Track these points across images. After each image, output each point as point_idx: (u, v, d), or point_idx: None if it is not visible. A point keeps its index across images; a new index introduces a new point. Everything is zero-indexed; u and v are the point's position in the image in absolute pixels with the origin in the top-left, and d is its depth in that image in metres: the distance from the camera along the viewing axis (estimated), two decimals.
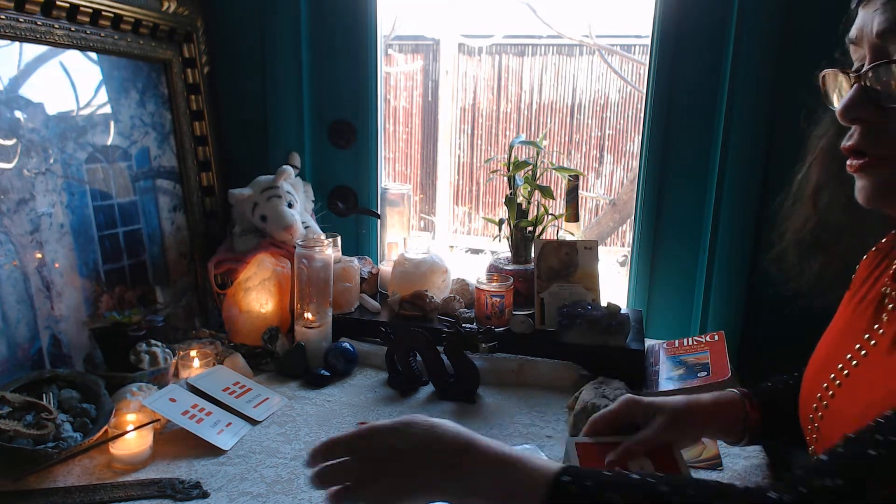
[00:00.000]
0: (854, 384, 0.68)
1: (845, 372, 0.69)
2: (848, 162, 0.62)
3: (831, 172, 0.71)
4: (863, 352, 0.68)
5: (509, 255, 1.50)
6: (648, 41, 1.39)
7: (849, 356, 0.70)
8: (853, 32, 0.60)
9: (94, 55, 1.26)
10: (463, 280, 1.50)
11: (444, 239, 4.76)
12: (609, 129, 4.77)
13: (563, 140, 4.85)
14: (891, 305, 0.67)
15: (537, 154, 1.44)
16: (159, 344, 1.19)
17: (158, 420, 1.03)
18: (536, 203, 1.46)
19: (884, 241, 0.76)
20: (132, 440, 0.97)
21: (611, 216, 4.01)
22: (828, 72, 0.62)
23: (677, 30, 1.34)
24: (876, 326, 0.68)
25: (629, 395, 0.83)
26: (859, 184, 0.61)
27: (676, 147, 1.40)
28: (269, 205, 1.38)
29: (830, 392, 0.70)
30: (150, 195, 1.37)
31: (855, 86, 0.58)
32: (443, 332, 1.22)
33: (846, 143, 0.61)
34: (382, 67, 1.58)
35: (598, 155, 4.85)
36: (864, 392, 0.65)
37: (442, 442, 0.63)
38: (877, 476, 0.49)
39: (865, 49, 0.58)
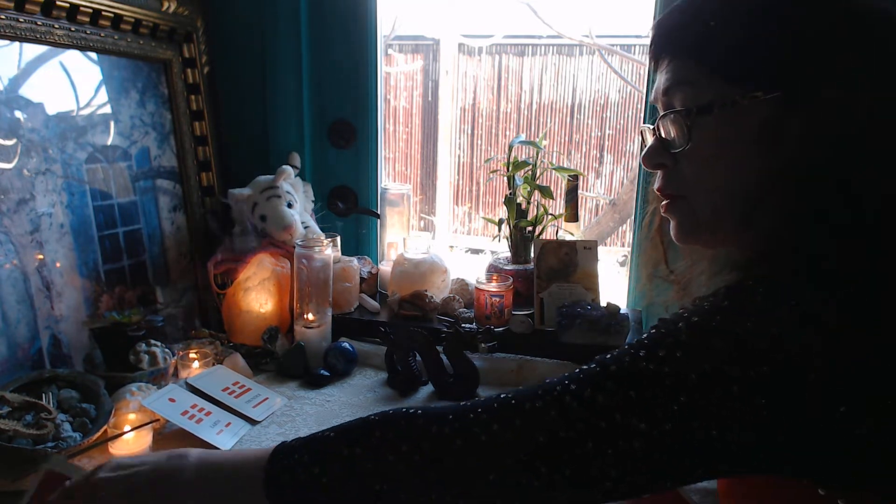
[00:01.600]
0: None
1: None
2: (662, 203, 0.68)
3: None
4: None
5: (509, 255, 1.50)
6: (648, 41, 1.39)
7: None
8: (652, 94, 0.67)
9: (94, 55, 1.26)
10: (463, 280, 1.50)
11: (444, 239, 4.77)
12: (609, 129, 4.78)
13: (563, 140, 4.85)
14: None
15: (537, 154, 1.44)
16: (159, 344, 1.19)
17: (158, 420, 1.03)
18: (536, 203, 1.46)
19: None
20: (132, 440, 0.97)
21: (611, 216, 4.02)
22: (643, 128, 0.70)
23: None
24: None
25: None
26: (671, 223, 0.68)
27: None
28: (269, 205, 1.38)
29: None
30: (150, 195, 1.37)
31: (653, 137, 0.66)
32: (442, 332, 1.22)
33: (655, 185, 0.68)
34: (382, 67, 1.58)
35: (598, 155, 4.85)
36: None
37: (147, 482, 0.63)
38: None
39: (659, 106, 0.66)
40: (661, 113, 0.65)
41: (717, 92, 0.59)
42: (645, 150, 0.67)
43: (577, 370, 0.55)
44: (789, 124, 0.56)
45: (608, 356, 0.54)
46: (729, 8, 0.60)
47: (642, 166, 0.69)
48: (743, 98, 0.58)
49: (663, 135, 0.65)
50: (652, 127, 0.67)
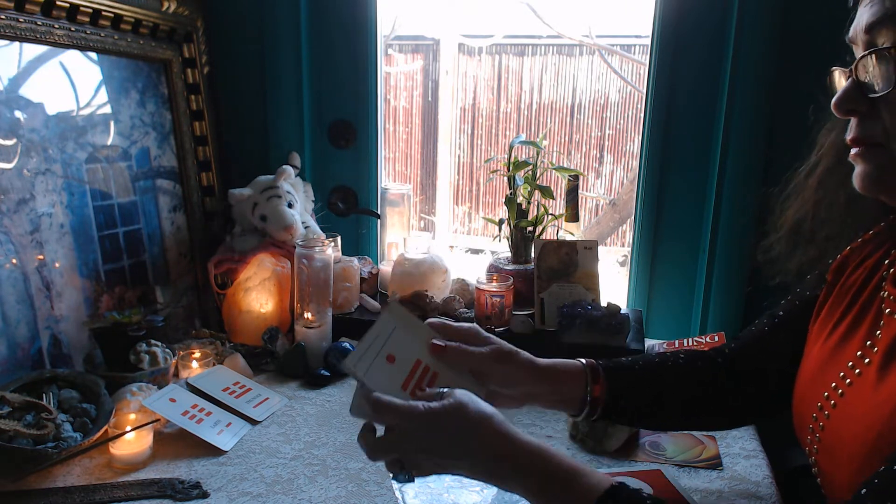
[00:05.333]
0: (851, 402, 0.67)
1: (839, 391, 0.69)
2: (850, 152, 0.63)
3: (835, 168, 0.71)
4: (857, 370, 0.68)
5: (509, 255, 1.50)
6: (648, 41, 1.40)
7: (842, 374, 0.70)
8: (850, 31, 0.62)
9: (94, 55, 1.26)
10: (463, 280, 1.50)
11: (444, 239, 4.76)
12: (609, 129, 4.77)
13: (563, 140, 4.85)
14: (888, 310, 0.67)
15: (537, 154, 1.44)
16: (159, 344, 1.19)
17: (158, 420, 1.03)
18: (536, 203, 1.46)
19: (871, 232, 0.75)
20: (132, 440, 0.97)
21: (611, 216, 4.01)
22: (833, 70, 0.65)
23: (677, 30, 1.34)
24: (869, 343, 0.68)
25: (478, 326, 0.82)
26: (858, 170, 0.62)
27: (676, 147, 1.40)
28: (269, 205, 1.38)
29: (832, 402, 0.70)
30: (150, 195, 1.37)
31: (849, 80, 0.60)
32: None
33: (847, 135, 0.62)
34: (382, 67, 1.58)
35: (598, 155, 4.85)
36: (860, 411, 0.65)
37: (485, 448, 0.65)
38: None
39: (859, 44, 0.61)
40: (862, 52, 0.59)
41: None
42: (838, 93, 0.61)
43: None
44: None
45: None
46: None
47: (835, 111, 0.62)
48: None
49: (861, 77, 0.59)
50: (847, 70, 0.61)
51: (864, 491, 0.53)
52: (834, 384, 0.70)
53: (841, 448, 0.66)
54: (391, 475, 0.70)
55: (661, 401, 0.87)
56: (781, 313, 0.88)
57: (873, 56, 0.58)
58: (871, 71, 0.58)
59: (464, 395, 0.68)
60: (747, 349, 0.89)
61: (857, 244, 0.76)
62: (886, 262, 0.71)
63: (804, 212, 0.75)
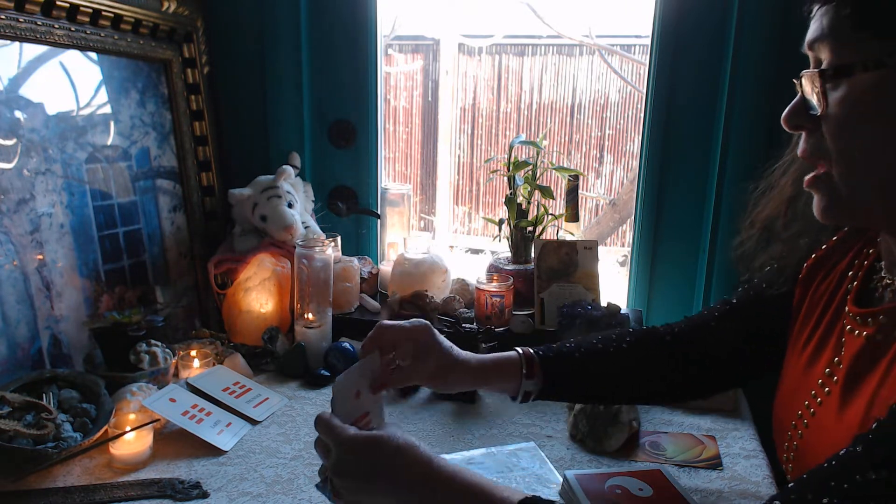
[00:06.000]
0: (821, 425, 0.67)
1: (811, 411, 0.69)
2: (805, 177, 0.63)
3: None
4: (826, 388, 0.68)
5: (509, 255, 1.50)
6: (648, 41, 1.39)
7: (813, 392, 0.69)
8: (805, 43, 0.61)
9: (94, 55, 1.26)
10: (463, 280, 1.50)
11: (444, 239, 4.76)
12: (609, 129, 4.77)
13: (563, 140, 4.85)
14: (849, 327, 0.66)
15: (537, 154, 1.44)
16: (159, 344, 1.19)
17: (158, 420, 1.03)
18: (536, 203, 1.46)
19: (835, 238, 0.75)
20: (132, 440, 0.97)
21: (611, 216, 4.01)
22: (797, 79, 0.65)
23: (677, 30, 1.34)
24: (836, 360, 0.67)
25: (426, 322, 0.82)
26: (815, 199, 0.62)
27: (676, 147, 1.40)
28: (269, 205, 1.38)
29: (805, 421, 0.70)
30: (150, 195, 1.37)
31: (797, 95, 0.60)
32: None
33: (798, 149, 0.62)
34: (382, 67, 1.58)
35: (598, 155, 4.85)
36: (828, 438, 0.65)
37: (408, 471, 0.65)
38: None
39: (811, 59, 0.60)
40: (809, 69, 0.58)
41: (862, 49, 0.52)
42: (787, 108, 0.61)
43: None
44: None
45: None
46: None
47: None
48: (891, 58, 0.50)
49: (805, 93, 0.58)
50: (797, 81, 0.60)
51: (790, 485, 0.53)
52: (807, 402, 0.70)
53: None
54: (317, 484, 0.73)
55: (601, 383, 0.88)
56: (734, 301, 0.88)
57: (806, 75, 0.57)
58: (808, 89, 0.58)
59: (389, 429, 0.70)
60: (694, 332, 0.90)
61: (823, 252, 0.76)
62: (850, 273, 0.71)
63: (777, 209, 0.74)
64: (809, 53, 0.59)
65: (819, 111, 0.56)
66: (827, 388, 0.67)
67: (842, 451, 0.50)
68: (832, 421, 0.65)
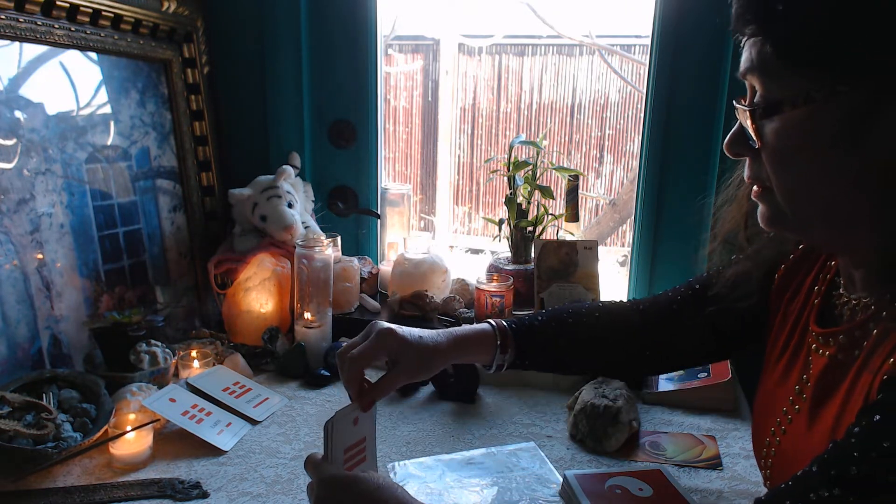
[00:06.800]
0: (791, 442, 0.67)
1: (783, 428, 0.69)
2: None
3: None
4: (796, 406, 0.68)
5: (509, 255, 1.50)
6: (648, 41, 1.39)
7: (784, 409, 0.69)
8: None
9: (94, 55, 1.26)
10: (463, 280, 1.50)
11: (444, 239, 4.76)
12: (609, 129, 4.77)
13: (563, 140, 4.85)
14: (814, 346, 0.66)
15: (537, 154, 1.44)
16: (159, 344, 1.19)
17: (158, 420, 1.03)
18: (536, 203, 1.46)
19: (800, 248, 0.75)
20: (132, 440, 0.97)
21: (611, 216, 4.01)
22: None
23: (677, 30, 1.34)
24: (805, 377, 0.67)
25: (385, 327, 0.80)
26: (759, 209, 0.62)
27: (676, 147, 1.40)
28: (269, 205, 1.38)
29: (777, 439, 0.70)
30: (150, 195, 1.37)
31: (737, 123, 0.59)
32: None
33: (745, 172, 0.62)
34: (382, 67, 1.58)
35: (598, 155, 4.85)
36: (798, 456, 0.64)
37: None
38: None
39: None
40: (742, 103, 0.58)
41: (790, 84, 0.52)
42: (728, 136, 0.60)
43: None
44: (882, 116, 0.49)
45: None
46: None
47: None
48: (819, 93, 0.50)
49: (742, 123, 0.58)
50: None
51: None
52: (778, 420, 0.70)
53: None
54: None
55: (570, 355, 0.90)
56: (697, 287, 0.89)
57: (739, 110, 0.57)
58: (744, 121, 0.57)
59: (369, 472, 0.71)
60: (656, 315, 0.90)
61: (791, 263, 0.76)
62: (816, 287, 0.70)
63: (736, 223, 0.73)
64: (745, 81, 0.58)
65: (756, 144, 0.56)
66: (797, 406, 0.67)
67: (799, 472, 0.51)
68: (802, 439, 0.65)
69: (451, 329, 0.86)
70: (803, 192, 0.55)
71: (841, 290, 0.65)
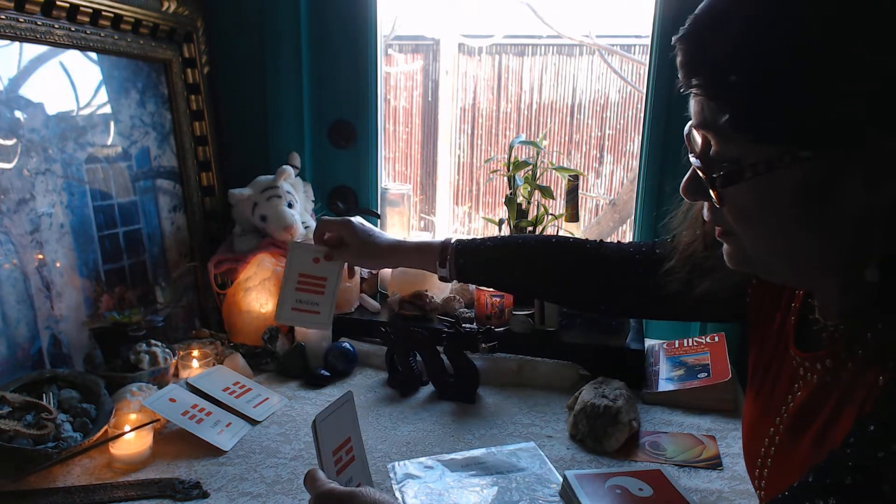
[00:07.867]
0: (781, 462, 0.67)
1: (772, 448, 0.69)
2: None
3: None
4: (781, 426, 0.67)
5: None
6: (648, 41, 1.39)
7: (771, 430, 0.69)
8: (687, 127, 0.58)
9: (94, 55, 1.26)
10: None
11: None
12: (609, 129, 4.77)
13: (563, 140, 4.85)
14: (801, 371, 0.65)
15: (537, 154, 1.44)
16: (159, 344, 1.19)
17: (158, 420, 1.03)
18: (536, 203, 1.46)
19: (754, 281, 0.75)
20: (132, 440, 0.97)
21: (611, 216, 4.01)
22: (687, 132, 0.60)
23: (677, 30, 1.34)
24: (789, 398, 0.66)
25: (351, 220, 0.97)
26: (724, 247, 0.60)
27: (676, 147, 1.40)
28: (269, 205, 1.38)
29: (768, 459, 0.69)
30: (150, 195, 1.37)
31: (691, 169, 0.57)
32: (443, 333, 1.22)
33: (704, 213, 0.60)
34: (382, 67, 1.58)
35: (598, 155, 4.85)
36: (788, 478, 0.63)
37: None
38: None
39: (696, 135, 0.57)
40: (696, 156, 0.55)
41: (749, 151, 0.50)
42: (683, 181, 0.58)
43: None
44: (846, 178, 0.48)
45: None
46: (748, 50, 0.47)
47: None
48: (782, 160, 0.48)
49: (699, 174, 0.54)
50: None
51: None
52: (766, 440, 0.70)
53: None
54: None
55: (511, 279, 0.96)
56: (658, 251, 0.86)
57: (697, 173, 0.54)
58: (700, 175, 0.54)
59: (364, 488, 0.71)
60: (610, 258, 0.90)
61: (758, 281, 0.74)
62: (792, 304, 0.69)
63: (694, 237, 0.71)
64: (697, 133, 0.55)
65: (715, 202, 0.54)
66: (783, 426, 0.67)
67: (796, 483, 0.51)
68: (789, 459, 0.65)
69: (404, 238, 1.00)
70: (770, 242, 0.54)
71: (817, 315, 0.63)
